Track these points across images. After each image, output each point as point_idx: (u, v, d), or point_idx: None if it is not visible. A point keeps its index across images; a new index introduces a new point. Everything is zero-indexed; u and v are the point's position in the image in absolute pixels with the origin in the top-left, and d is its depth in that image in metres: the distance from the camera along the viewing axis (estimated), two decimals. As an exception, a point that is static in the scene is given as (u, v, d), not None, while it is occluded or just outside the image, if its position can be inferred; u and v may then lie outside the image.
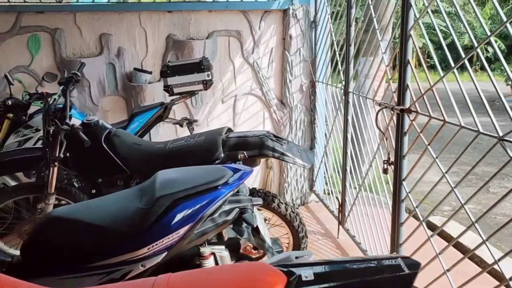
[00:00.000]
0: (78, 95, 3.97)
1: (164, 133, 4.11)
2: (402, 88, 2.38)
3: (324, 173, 4.41)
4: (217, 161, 2.42)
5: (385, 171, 2.57)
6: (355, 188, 3.59)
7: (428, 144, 2.20)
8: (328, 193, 4.18)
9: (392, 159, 2.55)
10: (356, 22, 3.41)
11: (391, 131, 2.61)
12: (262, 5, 4.13)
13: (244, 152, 2.41)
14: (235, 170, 1.89)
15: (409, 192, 2.44)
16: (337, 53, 3.64)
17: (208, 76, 3.31)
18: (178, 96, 3.45)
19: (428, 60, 22.55)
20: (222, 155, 2.43)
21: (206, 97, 4.18)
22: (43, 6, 3.85)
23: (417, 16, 2.27)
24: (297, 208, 4.37)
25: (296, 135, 4.33)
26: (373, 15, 2.80)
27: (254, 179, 4.43)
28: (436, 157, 2.13)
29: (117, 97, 4.07)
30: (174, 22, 4.04)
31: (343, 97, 3.40)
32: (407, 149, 2.44)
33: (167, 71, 3.27)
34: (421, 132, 2.26)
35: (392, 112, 2.47)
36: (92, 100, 4.00)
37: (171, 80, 3.29)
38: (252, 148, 2.43)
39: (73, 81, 2.77)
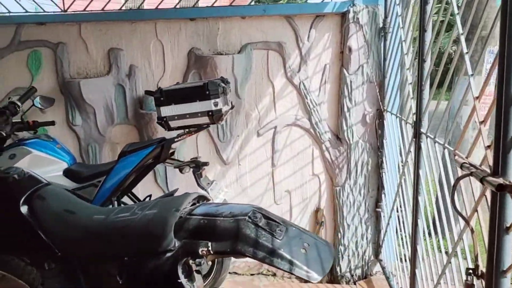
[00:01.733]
0: (83, 124, 3.31)
1: (183, 177, 3.28)
2: (502, 145, 1.25)
3: (396, 233, 3.23)
4: (167, 254, 1.49)
5: (469, 287, 1.44)
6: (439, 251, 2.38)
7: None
8: (405, 259, 2.98)
9: (482, 268, 1.41)
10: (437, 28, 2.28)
11: (484, 216, 1.48)
12: (312, 8, 3.14)
13: (209, 244, 1.45)
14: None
15: None
16: (408, 72, 2.52)
17: (215, 105, 2.41)
18: (182, 131, 2.60)
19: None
20: (176, 245, 1.49)
21: (236, 128, 3.28)
22: (44, 16, 3.27)
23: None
24: (354, 284, 3.28)
25: (357, 182, 3.23)
26: (455, 10, 1.68)
27: (299, 236, 3.40)
28: None
29: (129, 126, 3.34)
30: (198, 33, 3.22)
31: (414, 139, 2.28)
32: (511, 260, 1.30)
33: (160, 98, 2.44)
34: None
35: (483, 185, 1.35)
36: (99, 129, 3.31)
37: (165, 110, 2.45)
38: (221, 239, 1.45)
39: (6, 115, 2.05)
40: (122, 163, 2.56)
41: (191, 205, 1.63)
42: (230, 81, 3.14)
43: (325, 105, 3.25)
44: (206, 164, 2.68)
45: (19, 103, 2.61)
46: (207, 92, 2.38)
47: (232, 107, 2.76)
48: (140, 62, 3.26)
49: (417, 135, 2.22)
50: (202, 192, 1.67)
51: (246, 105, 3.26)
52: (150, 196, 2.91)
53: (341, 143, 3.23)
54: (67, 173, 2.67)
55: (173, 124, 2.46)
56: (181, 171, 2.60)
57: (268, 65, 3.23)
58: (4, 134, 2.64)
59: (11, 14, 3.36)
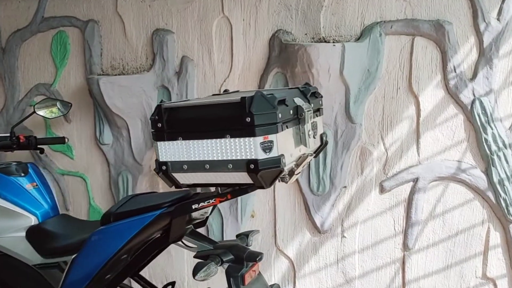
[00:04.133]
0: (113, 143, 2.26)
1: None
2: None
3: None
4: None
5: None
6: None
7: None
8: None
9: None
10: None
11: None
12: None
13: None
14: None
15: None
16: None
17: (266, 148, 1.08)
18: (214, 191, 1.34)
19: None
20: None
21: (342, 174, 1.90)
22: (72, -18, 2.29)
23: None
24: None
25: None
26: None
27: None
28: None
29: (175, 151, 2.19)
30: (288, 5, 1.91)
31: None
32: None
33: (157, 123, 1.19)
34: None
35: None
36: (133, 154, 2.23)
37: (167, 150, 1.20)
38: None
39: None
40: (99, 238, 1.39)
41: None
42: (339, 89, 1.79)
43: (524, 147, 1.68)
44: (256, 257, 1.35)
45: None
46: (248, 119, 1.07)
47: (323, 146, 1.40)
48: (196, 53, 2.08)
49: None
50: None
51: (363, 136, 1.86)
52: (173, 285, 1.70)
53: (554, 229, 1.63)
54: (32, 235, 1.61)
55: (181, 178, 1.21)
56: (196, 271, 1.32)
57: (411, 64, 1.78)
58: None
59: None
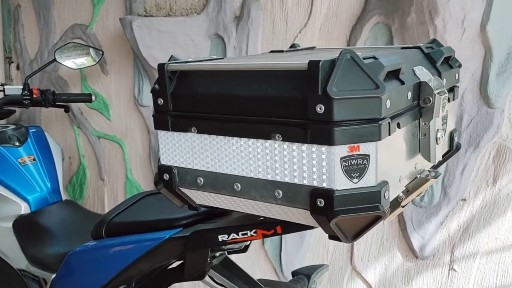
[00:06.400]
0: (154, 104, 1.81)
1: (318, 251, 1.56)
2: None
3: None
4: None
5: None
6: None
7: None
8: None
9: None
10: None
11: None
12: None
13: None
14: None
15: None
16: None
17: (355, 172, 0.54)
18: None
19: None
20: None
21: (462, 181, 1.30)
22: None
23: None
24: None
25: None
26: None
27: None
28: None
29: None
30: None
31: None
32: None
33: (157, 96, 0.68)
34: None
35: None
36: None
37: (171, 148, 0.69)
38: None
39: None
40: (81, 260, 0.95)
41: None
42: (474, 54, 1.18)
43: None
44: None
45: None
46: (320, 109, 0.53)
47: (451, 153, 0.82)
48: (264, -9, 1.53)
49: None
50: None
51: (504, 128, 1.23)
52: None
53: None
54: (19, 228, 1.22)
55: (196, 196, 0.70)
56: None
57: None
58: None
59: None
